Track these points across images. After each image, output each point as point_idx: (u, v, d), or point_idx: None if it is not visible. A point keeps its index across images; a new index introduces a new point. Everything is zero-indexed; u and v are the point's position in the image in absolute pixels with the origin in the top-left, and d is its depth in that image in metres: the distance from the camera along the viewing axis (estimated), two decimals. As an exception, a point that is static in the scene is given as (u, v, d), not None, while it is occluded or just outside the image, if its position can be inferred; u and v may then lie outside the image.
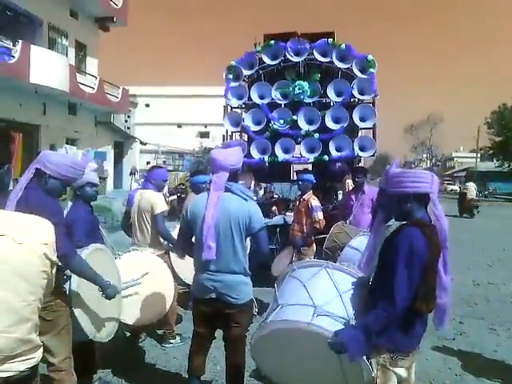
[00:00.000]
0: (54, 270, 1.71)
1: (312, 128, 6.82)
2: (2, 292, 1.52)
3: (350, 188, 6.40)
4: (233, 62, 7.16)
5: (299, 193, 5.86)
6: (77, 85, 18.63)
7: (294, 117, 6.87)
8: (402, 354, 2.29)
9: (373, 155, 6.87)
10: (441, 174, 77.74)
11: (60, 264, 1.86)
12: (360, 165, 7.29)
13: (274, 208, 7.21)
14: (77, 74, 19.06)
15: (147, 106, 40.35)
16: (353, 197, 5.91)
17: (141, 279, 3.75)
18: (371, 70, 6.67)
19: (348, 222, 5.61)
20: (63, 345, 2.80)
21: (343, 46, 6.77)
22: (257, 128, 7.06)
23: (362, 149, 6.74)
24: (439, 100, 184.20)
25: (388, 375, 2.28)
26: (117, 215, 12.88)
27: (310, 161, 6.98)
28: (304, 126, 6.87)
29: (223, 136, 7.88)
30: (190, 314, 5.34)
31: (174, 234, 4.68)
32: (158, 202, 4.50)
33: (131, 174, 22.85)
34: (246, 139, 7.46)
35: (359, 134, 7.18)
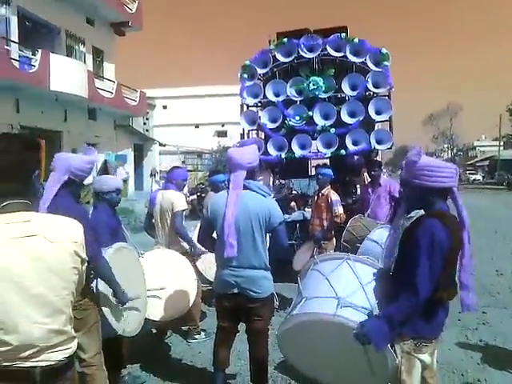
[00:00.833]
0: (84, 267, 1.83)
1: (328, 123, 6.84)
2: (39, 287, 1.63)
3: (367, 181, 6.44)
4: (247, 62, 7.23)
5: (317, 188, 5.91)
6: (95, 90, 19.02)
7: (310, 113, 6.90)
8: (425, 340, 2.34)
9: (390, 148, 6.85)
10: (463, 164, 76.50)
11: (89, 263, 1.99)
12: (377, 158, 7.29)
13: (293, 204, 7.27)
14: (95, 80, 19.45)
15: (165, 107, 40.80)
16: (369, 190, 5.96)
17: (169, 279, 3.88)
18: (385, 62, 6.65)
19: (366, 214, 5.65)
20: (93, 341, 2.94)
21: (356, 40, 6.76)
22: (273, 125, 7.11)
23: (378, 142, 6.73)
24: (458, 89, 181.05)
25: (412, 362, 2.34)
26: (139, 216, 13.12)
27: (327, 156, 7.00)
28: (320, 122, 6.89)
29: (240, 134, 7.94)
30: (213, 310, 5.45)
31: (195, 233, 4.82)
32: (179, 200, 4.62)
33: (151, 175, 23.18)
34: (262, 137, 7.52)
35: (375, 127, 7.17)
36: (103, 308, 2.98)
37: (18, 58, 15.57)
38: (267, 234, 3.33)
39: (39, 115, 16.36)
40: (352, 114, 6.79)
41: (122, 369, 3.74)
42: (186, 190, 13.11)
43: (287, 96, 7.05)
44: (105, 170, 16.78)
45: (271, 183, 7.83)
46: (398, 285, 2.32)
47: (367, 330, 2.15)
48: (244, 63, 7.26)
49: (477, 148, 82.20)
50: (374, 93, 6.90)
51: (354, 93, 6.80)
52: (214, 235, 3.29)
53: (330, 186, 5.58)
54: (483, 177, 60.12)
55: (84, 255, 1.78)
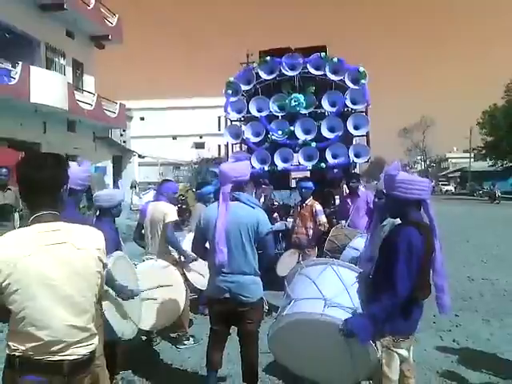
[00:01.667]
0: (105, 272, 2.05)
1: (309, 137, 7.14)
2: (67, 289, 1.84)
3: (345, 193, 6.77)
4: (231, 78, 7.49)
5: (299, 199, 6.25)
6: (75, 102, 19.04)
7: (292, 127, 7.18)
8: (402, 336, 2.60)
9: (367, 161, 7.20)
10: (435, 175, 78.35)
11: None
12: (355, 170, 7.63)
13: (276, 215, 7.53)
14: (75, 92, 19.45)
15: (142, 119, 40.85)
16: (348, 201, 6.29)
17: (159, 287, 4.06)
18: (362, 81, 7.01)
19: (346, 224, 5.97)
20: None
21: (335, 59, 7.11)
22: (256, 139, 7.37)
23: (356, 155, 7.07)
24: (431, 103, 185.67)
25: (391, 355, 2.59)
26: (121, 228, 13.14)
27: (308, 168, 7.31)
28: (301, 136, 7.19)
29: (219, 146, 8.20)
30: (200, 318, 5.70)
31: (184, 242, 5.02)
32: (170, 212, 4.81)
33: (132, 187, 23.15)
34: (246, 150, 7.79)
35: (354, 142, 7.54)
36: (105, 312, 3.16)
37: (-3, 71, 15.53)
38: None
39: (18, 127, 16.29)
40: (331, 129, 7.11)
41: (115, 374, 3.85)
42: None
43: (270, 112, 7.32)
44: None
45: (254, 194, 8.07)
46: (378, 286, 2.58)
47: (352, 327, 2.40)
48: (228, 80, 7.52)
49: (449, 160, 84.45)
50: (352, 109, 7.23)
51: (334, 109, 7.13)
52: (207, 245, 3.52)
53: (312, 197, 5.94)
54: (455, 187, 61.80)
55: (105, 260, 2.02)
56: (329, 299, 2.56)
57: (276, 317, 2.83)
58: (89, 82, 22.72)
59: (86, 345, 1.92)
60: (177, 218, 4.95)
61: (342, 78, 7.12)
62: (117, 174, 25.20)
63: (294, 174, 8.81)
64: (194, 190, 12.68)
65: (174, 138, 43.48)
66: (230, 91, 7.50)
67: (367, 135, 7.25)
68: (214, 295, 3.47)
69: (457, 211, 23.67)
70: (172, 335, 5.13)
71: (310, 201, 5.94)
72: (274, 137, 7.29)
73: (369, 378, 2.79)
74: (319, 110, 7.31)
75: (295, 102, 7.19)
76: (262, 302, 3.59)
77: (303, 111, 7.25)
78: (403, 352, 2.63)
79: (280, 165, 7.25)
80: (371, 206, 6.05)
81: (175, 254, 5.02)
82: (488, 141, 48.05)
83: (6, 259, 1.74)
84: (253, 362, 3.52)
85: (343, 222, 6.14)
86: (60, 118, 18.78)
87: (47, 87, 16.56)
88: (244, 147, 8.06)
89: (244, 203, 3.39)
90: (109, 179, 23.08)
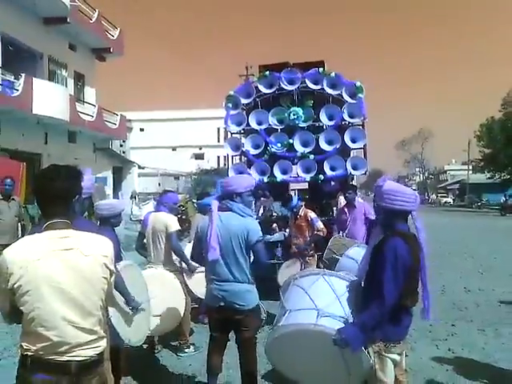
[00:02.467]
0: (113, 278, 2.16)
1: (307, 150, 7.31)
2: (74, 292, 1.95)
3: (343, 204, 6.91)
4: (231, 92, 7.68)
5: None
6: (76, 114, 19.23)
7: (290, 140, 7.35)
8: (393, 342, 2.69)
9: (364, 173, 7.36)
10: (434, 187, 78.60)
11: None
12: (353, 182, 7.78)
13: (275, 225, 7.65)
14: (76, 103, 19.66)
15: (142, 130, 41.08)
16: (346, 211, 6.43)
17: (160, 296, 4.16)
18: (359, 95, 7.20)
19: (344, 234, 6.09)
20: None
21: (333, 74, 7.31)
22: (256, 152, 7.53)
23: (354, 168, 7.23)
24: (429, 115, 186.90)
25: (384, 361, 2.68)
26: (120, 238, 13.23)
27: (306, 180, 7.46)
28: (300, 149, 7.35)
29: (218, 157, 8.38)
30: (200, 326, 5.78)
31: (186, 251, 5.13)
32: (172, 222, 4.92)
33: (132, 197, 23.23)
34: (246, 162, 7.94)
35: (351, 154, 7.70)
36: (112, 318, 3.25)
37: (0, 82, 15.72)
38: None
39: (20, 138, 16.43)
40: (329, 142, 7.28)
41: (119, 379, 3.95)
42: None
43: (269, 124, 7.50)
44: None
45: (253, 206, 8.20)
46: (369, 295, 2.67)
47: (345, 336, 2.48)
48: (228, 93, 7.70)
49: (447, 172, 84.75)
50: (349, 122, 7.41)
51: (331, 122, 7.30)
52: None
53: (304, 207, 6.14)
54: (454, 199, 62.03)
55: (112, 267, 2.11)
56: (321, 309, 2.64)
57: (272, 327, 2.92)
58: (90, 93, 22.94)
59: (94, 347, 2.02)
60: (179, 227, 5.05)
61: (339, 92, 7.30)
62: (117, 185, 25.33)
63: (292, 186, 8.96)
64: (193, 200, 12.79)
65: (174, 149, 43.71)
66: (230, 104, 7.67)
67: (364, 148, 7.42)
68: (210, 303, 3.60)
69: (454, 223, 23.82)
70: (173, 343, 5.21)
71: (302, 211, 6.13)
72: (273, 149, 7.45)
73: (364, 383, 2.88)
74: (317, 124, 7.49)
75: (294, 115, 7.36)
76: (258, 310, 3.69)
77: (302, 124, 7.42)
78: (395, 357, 2.71)
79: (279, 176, 7.40)
80: (368, 216, 6.18)
81: (177, 263, 5.13)
82: (486, 153, 48.32)
83: (19, 262, 1.86)
84: (251, 369, 3.61)
85: (341, 232, 6.26)
86: (61, 129, 18.96)
87: (49, 99, 16.75)
88: (244, 159, 8.21)
89: (235, 212, 3.52)
90: (109, 190, 23.19)
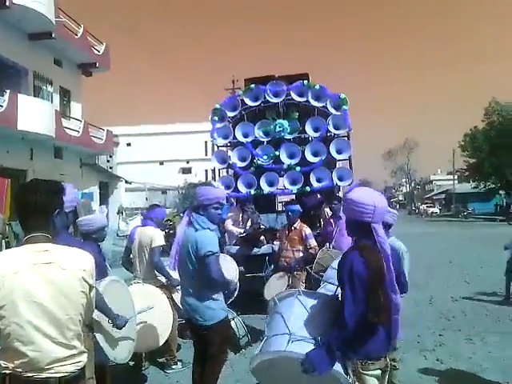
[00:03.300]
0: (93, 293, 2.13)
1: (293, 162, 7.35)
2: (51, 307, 1.92)
3: (329, 215, 6.92)
4: (217, 105, 7.72)
5: (285, 222, 6.35)
6: (62, 129, 19.10)
7: (277, 152, 7.40)
8: (370, 359, 2.56)
9: (350, 184, 7.39)
10: (421, 197, 79.40)
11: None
12: (339, 193, 7.81)
13: (262, 238, 7.63)
14: (62, 119, 19.54)
15: (128, 145, 41.00)
16: (332, 222, 6.43)
17: (148, 310, 4.12)
18: (344, 107, 7.29)
19: (331, 246, 6.09)
20: (87, 366, 3.15)
21: (317, 86, 7.39)
22: (242, 164, 7.56)
23: (340, 179, 7.28)
24: (414, 126, 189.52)
25: (363, 378, 2.57)
26: (107, 253, 13.10)
27: (293, 192, 7.48)
28: (286, 161, 7.39)
29: (205, 171, 8.40)
30: (188, 342, 5.70)
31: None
32: (157, 236, 4.90)
33: (119, 212, 23.08)
34: (233, 175, 7.95)
35: (337, 166, 7.75)
36: (97, 335, 3.21)
37: (-16, 99, 15.60)
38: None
39: (4, 154, 16.25)
40: (315, 154, 7.34)
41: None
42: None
43: (255, 137, 7.53)
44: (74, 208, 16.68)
45: (240, 219, 8.18)
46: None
47: (310, 359, 2.44)
48: (215, 107, 7.74)
49: (433, 182, 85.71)
50: (334, 134, 7.49)
51: (317, 134, 7.37)
52: None
53: (299, 220, 6.05)
54: (440, 209, 62.61)
55: (92, 282, 2.08)
56: (294, 333, 2.59)
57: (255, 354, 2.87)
58: (76, 109, 22.83)
59: (74, 362, 1.99)
60: (163, 242, 5.02)
61: (324, 104, 7.39)
62: (104, 200, 25.12)
63: (279, 198, 8.98)
64: (181, 215, 12.75)
65: (161, 163, 43.65)
66: (216, 117, 7.71)
67: (350, 159, 7.49)
68: (183, 315, 3.77)
69: (441, 232, 24.03)
70: (160, 360, 5.15)
71: (298, 224, 5.99)
72: (259, 161, 7.48)
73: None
74: (303, 135, 7.56)
75: (279, 127, 7.42)
76: (221, 326, 3.55)
77: (287, 136, 7.47)
78: (375, 373, 2.61)
79: (266, 189, 7.42)
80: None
81: (162, 279, 5.08)
82: (470, 163, 48.97)
83: None
84: None
85: (327, 244, 6.25)
86: (47, 144, 18.79)
87: (34, 115, 16.60)
88: (231, 172, 8.22)
89: (193, 225, 3.51)
90: (96, 205, 22.98)
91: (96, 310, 3.18)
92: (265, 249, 7.30)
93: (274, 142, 7.55)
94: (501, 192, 47.38)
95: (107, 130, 24.14)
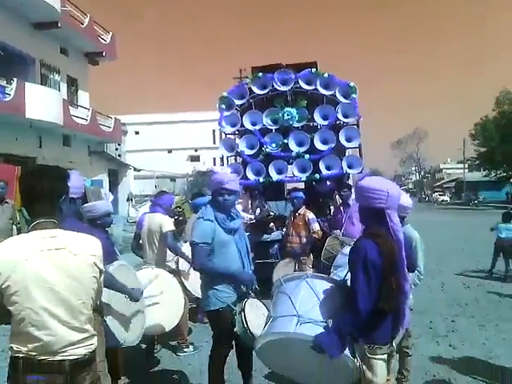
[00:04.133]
0: (102, 278, 2.14)
1: (302, 150, 7.30)
2: (63, 292, 1.94)
3: (339, 203, 6.90)
4: (225, 93, 7.65)
5: (292, 209, 6.39)
6: (70, 117, 19.16)
7: (285, 140, 7.35)
8: (377, 344, 2.57)
9: (360, 172, 7.33)
10: (430, 186, 78.89)
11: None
12: (349, 181, 7.76)
13: (272, 225, 7.63)
14: (70, 107, 19.58)
15: (137, 133, 41.05)
16: (342, 210, 6.42)
17: (158, 295, 4.13)
18: (353, 95, 7.20)
19: (341, 233, 6.07)
20: (98, 349, 3.16)
21: (326, 74, 7.30)
22: (251, 152, 7.52)
23: (349, 166, 7.23)
24: (424, 115, 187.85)
25: (370, 362, 2.57)
26: (117, 239, 13.25)
27: (302, 180, 7.44)
28: (295, 149, 7.34)
29: (214, 159, 8.36)
30: (199, 326, 5.75)
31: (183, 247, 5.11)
32: (167, 222, 4.92)
33: (128, 199, 23.22)
34: (241, 163, 7.91)
35: (346, 153, 7.69)
36: (106, 319, 3.22)
37: (-8, 88, 15.66)
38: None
39: (13, 142, 16.35)
40: (324, 142, 7.27)
41: (118, 379, 3.93)
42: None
43: (263, 125, 7.48)
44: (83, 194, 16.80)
45: (250, 206, 8.18)
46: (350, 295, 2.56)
47: (320, 342, 2.44)
48: (222, 95, 7.67)
49: (443, 170, 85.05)
50: (343, 122, 7.41)
51: (326, 122, 7.30)
52: None
53: (304, 206, 6.11)
54: (450, 197, 62.23)
55: (102, 267, 2.11)
56: (302, 315, 2.58)
57: (259, 336, 2.84)
58: (83, 97, 22.87)
59: (86, 345, 2.02)
60: (174, 227, 5.03)
61: (333, 92, 7.30)
62: (113, 188, 25.26)
63: (288, 186, 8.94)
64: (189, 201, 12.80)
65: (170, 151, 43.71)
66: (223, 105, 7.65)
67: (359, 147, 7.42)
68: None
69: (452, 220, 23.88)
70: (172, 343, 5.20)
71: (302, 210, 6.14)
72: (268, 149, 7.43)
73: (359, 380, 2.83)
74: (312, 123, 7.49)
75: (288, 115, 7.36)
76: (214, 316, 3.53)
77: (296, 124, 7.41)
78: (382, 357, 2.61)
79: (275, 176, 7.38)
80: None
81: (172, 264, 5.11)
82: (481, 152, 48.52)
83: (6, 262, 1.85)
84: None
85: (337, 231, 6.23)
86: (55, 132, 18.89)
87: (42, 103, 16.67)
88: (239, 159, 8.18)
89: None
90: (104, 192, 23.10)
91: (105, 294, 3.20)
92: (275, 235, 7.33)
93: (283, 129, 7.49)
94: (512, 181, 47.02)
95: (115, 118, 24.19)
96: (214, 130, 37.32)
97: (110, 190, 24.10)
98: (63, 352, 1.93)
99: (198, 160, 42.91)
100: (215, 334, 3.60)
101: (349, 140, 7.26)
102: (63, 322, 1.93)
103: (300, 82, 7.37)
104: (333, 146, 7.20)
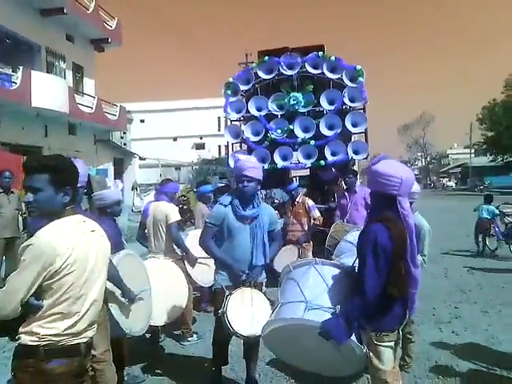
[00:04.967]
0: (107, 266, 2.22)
1: (308, 136, 7.26)
2: (100, 272, 2.07)
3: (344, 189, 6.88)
4: (230, 79, 7.61)
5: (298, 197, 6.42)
6: (76, 106, 19.13)
7: (291, 126, 7.31)
8: (384, 331, 2.57)
9: (366, 158, 7.30)
10: (436, 171, 78.36)
11: None
12: (355, 167, 7.73)
13: (276, 212, 7.62)
14: (75, 95, 19.56)
15: (142, 121, 41.01)
16: (346, 196, 6.40)
17: (163, 285, 4.16)
18: (360, 79, 7.13)
19: (345, 220, 6.06)
20: (102, 339, 3.19)
21: (333, 58, 7.23)
22: (256, 138, 7.49)
23: (355, 152, 7.18)
24: (430, 99, 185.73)
25: (377, 349, 2.58)
26: (123, 228, 13.26)
27: (307, 166, 7.41)
28: (300, 134, 7.30)
29: (219, 147, 8.35)
30: (203, 315, 5.78)
31: (187, 240, 5.12)
32: (172, 212, 4.89)
33: (133, 188, 23.28)
34: (246, 150, 7.89)
35: (352, 139, 7.64)
36: (111, 308, 3.24)
37: (-2, 76, 15.64)
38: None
39: (19, 131, 16.38)
40: (330, 127, 7.23)
41: (123, 368, 3.96)
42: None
43: (269, 111, 7.44)
44: (88, 183, 16.85)
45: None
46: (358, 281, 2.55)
47: (327, 328, 2.42)
48: (227, 80, 7.63)
49: (449, 156, 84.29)
50: (350, 107, 7.35)
51: (332, 107, 7.24)
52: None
53: (301, 194, 6.22)
54: (456, 183, 61.87)
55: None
56: (310, 301, 2.57)
57: (267, 321, 2.85)
58: (89, 85, 22.82)
59: (94, 328, 2.11)
60: (179, 217, 5.02)
61: (339, 76, 7.23)
62: (118, 176, 25.32)
63: (293, 172, 8.92)
64: (194, 190, 12.82)
65: (175, 139, 43.65)
66: (229, 91, 7.61)
67: (365, 132, 7.37)
68: None
69: (456, 206, 23.73)
70: (176, 332, 5.22)
71: (300, 198, 6.21)
72: (273, 135, 7.40)
73: (366, 368, 2.84)
74: (318, 109, 7.44)
75: (294, 100, 7.31)
76: (211, 292, 3.92)
77: (302, 110, 7.36)
78: (389, 344, 2.61)
79: (280, 163, 7.36)
80: (369, 201, 6.13)
81: (179, 252, 5.12)
82: (488, 136, 48.01)
83: (65, 244, 1.90)
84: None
85: (338, 219, 6.22)
86: (61, 121, 18.88)
87: (48, 91, 16.63)
88: (244, 146, 8.16)
89: None
90: (110, 182, 23.17)
91: (109, 283, 3.23)
92: (279, 223, 7.31)
93: (288, 115, 7.45)
94: (519, 165, 46.57)
95: (120, 106, 24.13)
96: (219, 117, 37.24)
97: (114, 179, 24.20)
98: (82, 333, 2.00)
99: (204, 148, 42.85)
100: (215, 313, 3.64)
101: (355, 125, 7.21)
102: (95, 302, 2.05)
103: (306, 65, 7.32)
104: (338, 131, 7.16)
